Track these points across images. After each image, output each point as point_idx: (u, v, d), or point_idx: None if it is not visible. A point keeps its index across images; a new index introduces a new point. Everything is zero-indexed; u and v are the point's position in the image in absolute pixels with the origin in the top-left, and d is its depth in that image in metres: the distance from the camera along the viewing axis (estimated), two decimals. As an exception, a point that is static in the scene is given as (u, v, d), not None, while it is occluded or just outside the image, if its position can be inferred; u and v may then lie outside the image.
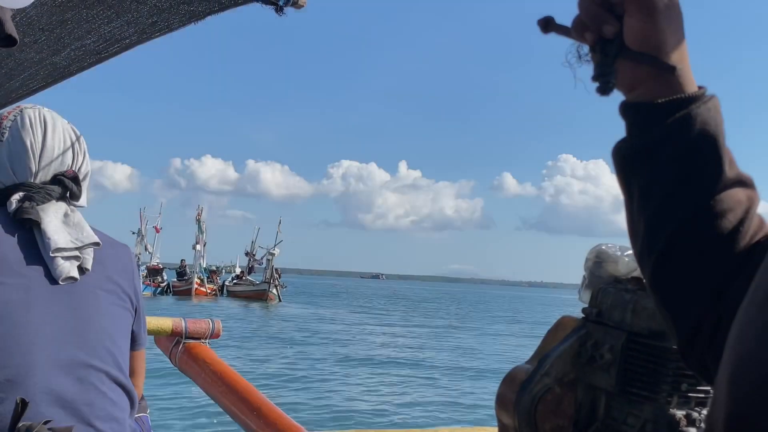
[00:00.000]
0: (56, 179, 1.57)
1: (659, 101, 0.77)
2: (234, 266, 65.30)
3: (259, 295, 53.47)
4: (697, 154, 0.76)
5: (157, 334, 2.61)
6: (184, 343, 2.61)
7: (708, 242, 0.76)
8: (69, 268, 1.48)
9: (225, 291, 57.71)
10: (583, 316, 1.40)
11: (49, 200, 1.54)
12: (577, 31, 0.77)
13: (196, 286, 53.44)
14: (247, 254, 63.46)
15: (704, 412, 1.29)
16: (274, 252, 57.40)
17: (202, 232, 56.31)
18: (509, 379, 1.39)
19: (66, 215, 1.55)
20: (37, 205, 1.52)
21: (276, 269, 55.63)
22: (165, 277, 55.78)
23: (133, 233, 55.87)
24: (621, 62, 0.77)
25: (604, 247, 1.42)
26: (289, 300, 56.94)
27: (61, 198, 1.57)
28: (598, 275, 1.41)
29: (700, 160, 0.76)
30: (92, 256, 1.53)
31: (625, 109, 0.79)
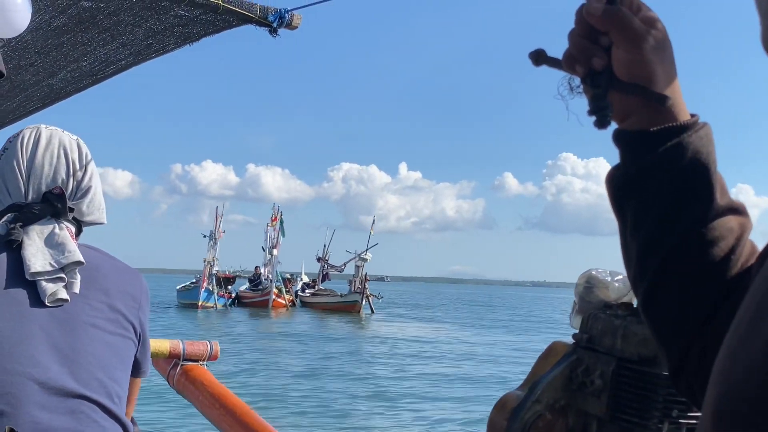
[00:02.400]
0: (45, 197, 1.56)
1: (651, 130, 0.78)
2: (299, 273, 56.32)
3: (348, 308, 44.47)
4: (689, 182, 0.77)
5: (155, 357, 2.58)
6: (182, 365, 2.60)
7: (698, 269, 0.77)
8: (54, 290, 1.46)
9: (299, 302, 48.56)
10: (574, 341, 1.40)
11: (35, 220, 1.53)
12: (567, 63, 0.78)
13: (274, 297, 44.64)
14: (319, 260, 53.76)
15: (695, 438, 1.29)
16: (366, 257, 48.09)
17: (284, 235, 46.35)
18: (500, 406, 1.39)
19: (51, 234, 1.53)
20: (24, 225, 1.52)
21: (366, 276, 46.30)
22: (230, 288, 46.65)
23: (205, 236, 44.80)
24: (612, 93, 0.77)
25: (594, 273, 1.42)
26: (382, 312, 46.42)
27: (53, 216, 1.55)
28: (589, 301, 1.41)
29: (691, 188, 0.77)
30: (79, 278, 1.50)
31: (618, 137, 0.81)
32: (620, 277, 1.42)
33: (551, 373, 1.38)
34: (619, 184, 0.81)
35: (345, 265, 51.44)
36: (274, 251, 45.60)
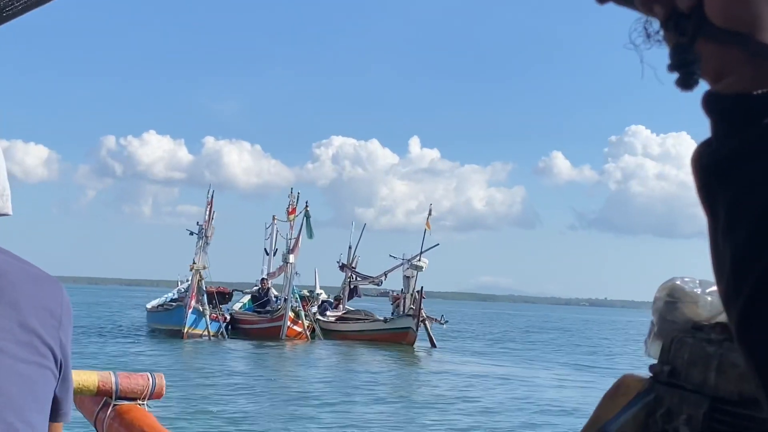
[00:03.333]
0: None
1: (756, 93, 0.67)
2: (314, 288, 39.55)
3: (396, 338, 32.36)
4: None
5: (79, 393, 2.35)
6: (115, 405, 2.40)
7: None
8: None
9: (318, 329, 34.71)
10: (651, 375, 1.31)
11: None
12: (643, 2, 0.69)
13: (289, 323, 32.38)
14: (342, 267, 38.19)
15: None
16: (420, 263, 34.04)
17: (311, 235, 34.14)
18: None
19: None
20: None
21: (422, 291, 32.51)
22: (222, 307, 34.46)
23: (192, 233, 32.51)
24: (703, 43, 0.67)
25: (678, 283, 1.32)
26: (444, 344, 33.78)
27: None
28: (671, 320, 1.30)
29: None
30: None
31: (710, 103, 0.69)
32: (714, 288, 1.23)
33: (620, 418, 1.27)
34: (709, 166, 0.69)
35: (386, 275, 36.82)
36: (291, 257, 32.58)
